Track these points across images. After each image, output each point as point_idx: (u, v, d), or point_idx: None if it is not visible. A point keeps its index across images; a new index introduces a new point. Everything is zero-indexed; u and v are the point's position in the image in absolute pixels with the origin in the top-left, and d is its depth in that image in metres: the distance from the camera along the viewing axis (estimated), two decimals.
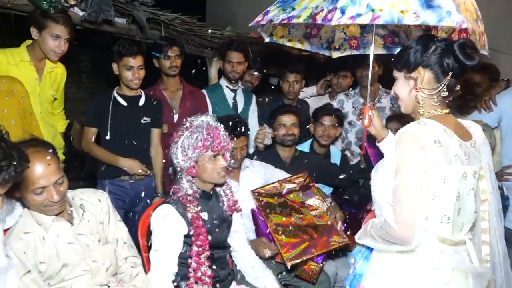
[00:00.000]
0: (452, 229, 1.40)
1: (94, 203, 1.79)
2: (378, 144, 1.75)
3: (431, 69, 1.41)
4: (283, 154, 2.75)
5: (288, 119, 2.69)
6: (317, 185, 2.43)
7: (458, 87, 1.43)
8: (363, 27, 2.11)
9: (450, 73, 1.38)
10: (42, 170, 1.50)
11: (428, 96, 1.42)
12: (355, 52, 2.14)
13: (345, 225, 2.38)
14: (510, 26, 4.98)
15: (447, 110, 1.45)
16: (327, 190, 2.80)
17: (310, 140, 2.99)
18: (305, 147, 2.95)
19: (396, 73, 1.50)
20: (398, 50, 2.02)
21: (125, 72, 2.53)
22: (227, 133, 1.85)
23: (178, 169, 1.82)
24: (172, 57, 2.86)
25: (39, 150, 1.52)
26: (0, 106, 2.12)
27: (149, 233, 2.13)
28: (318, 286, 2.30)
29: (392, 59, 1.48)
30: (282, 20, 1.57)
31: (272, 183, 2.32)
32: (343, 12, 1.39)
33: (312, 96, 3.69)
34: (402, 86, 1.47)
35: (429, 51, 1.39)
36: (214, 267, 1.86)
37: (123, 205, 2.58)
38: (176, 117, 2.89)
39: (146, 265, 2.02)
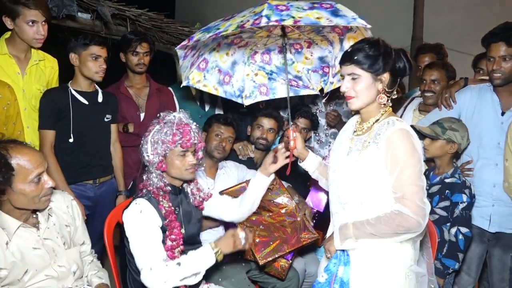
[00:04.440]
0: None
1: (61, 206, 1.77)
2: (300, 164, 1.90)
3: (391, 74, 1.56)
4: (254, 155, 2.75)
5: (267, 123, 2.69)
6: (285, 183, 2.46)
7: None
8: (270, 74, 2.28)
9: (399, 77, 1.58)
10: (35, 158, 1.54)
11: (387, 98, 1.58)
12: (265, 98, 2.29)
13: (314, 221, 2.42)
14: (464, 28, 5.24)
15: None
16: None
17: (278, 139, 3.01)
18: (274, 146, 2.96)
19: (360, 72, 1.55)
20: (301, 91, 2.29)
21: (90, 62, 2.33)
22: (199, 131, 1.84)
23: (148, 163, 1.80)
24: (140, 54, 2.74)
25: (23, 144, 1.58)
26: None
27: (115, 234, 2.10)
28: (287, 282, 2.32)
29: (356, 57, 1.54)
30: (210, 36, 1.69)
31: (240, 183, 2.31)
32: (268, 18, 1.56)
33: None
34: (369, 87, 1.56)
35: (392, 57, 1.54)
36: None
37: (86, 209, 2.38)
38: (142, 115, 2.78)
39: (113, 265, 2.00)
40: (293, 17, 1.55)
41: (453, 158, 2.29)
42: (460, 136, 2.20)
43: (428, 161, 2.44)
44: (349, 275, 1.57)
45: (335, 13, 1.61)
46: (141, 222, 1.71)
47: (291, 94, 2.19)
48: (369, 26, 1.61)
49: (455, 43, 5.16)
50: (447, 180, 2.20)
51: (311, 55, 2.24)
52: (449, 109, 2.43)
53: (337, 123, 2.94)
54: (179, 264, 1.63)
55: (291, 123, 1.92)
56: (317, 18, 1.57)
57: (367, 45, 1.54)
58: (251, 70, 2.23)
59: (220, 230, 2.39)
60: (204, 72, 2.14)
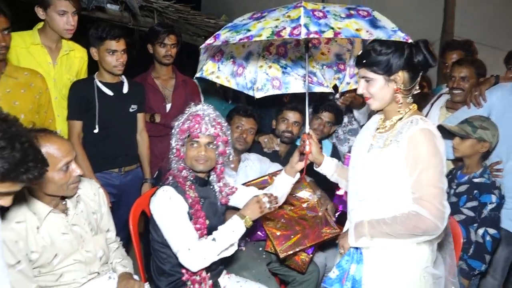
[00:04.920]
0: None
1: (88, 194, 1.81)
2: (316, 169, 1.89)
3: (409, 71, 1.52)
4: (279, 148, 2.75)
5: (292, 116, 2.68)
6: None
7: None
8: (284, 68, 2.20)
9: (421, 72, 1.53)
10: (64, 146, 1.59)
11: (405, 95, 1.54)
12: (277, 92, 2.22)
13: (336, 216, 2.41)
14: (497, 22, 5.04)
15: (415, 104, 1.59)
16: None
17: (302, 132, 3.00)
18: (298, 140, 2.95)
19: (371, 75, 1.54)
20: (315, 88, 2.21)
21: (107, 57, 2.34)
22: (221, 125, 1.84)
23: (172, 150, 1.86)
24: (168, 46, 2.77)
25: (52, 132, 1.64)
26: (13, 98, 2.05)
27: (140, 222, 2.15)
28: (307, 275, 2.33)
29: (364, 61, 1.53)
30: (240, 39, 1.60)
31: (262, 176, 2.32)
32: (307, 29, 1.48)
33: None
34: (383, 89, 1.54)
35: (405, 54, 1.50)
36: None
37: (111, 197, 2.42)
38: (168, 106, 2.82)
39: (137, 253, 2.05)
40: (333, 28, 1.49)
41: (482, 158, 2.23)
42: (491, 135, 2.14)
43: (456, 160, 2.39)
44: (361, 273, 1.56)
45: (374, 23, 1.54)
46: (172, 207, 1.75)
47: (304, 90, 2.14)
48: (410, 40, 1.51)
49: (487, 38, 4.98)
50: (475, 180, 2.15)
51: (328, 51, 2.20)
52: (478, 108, 2.36)
53: (350, 103, 2.90)
54: (214, 239, 1.69)
55: (308, 127, 1.91)
56: (357, 30, 1.51)
57: (375, 47, 1.52)
58: (265, 62, 2.19)
59: None
60: (219, 64, 2.12)
